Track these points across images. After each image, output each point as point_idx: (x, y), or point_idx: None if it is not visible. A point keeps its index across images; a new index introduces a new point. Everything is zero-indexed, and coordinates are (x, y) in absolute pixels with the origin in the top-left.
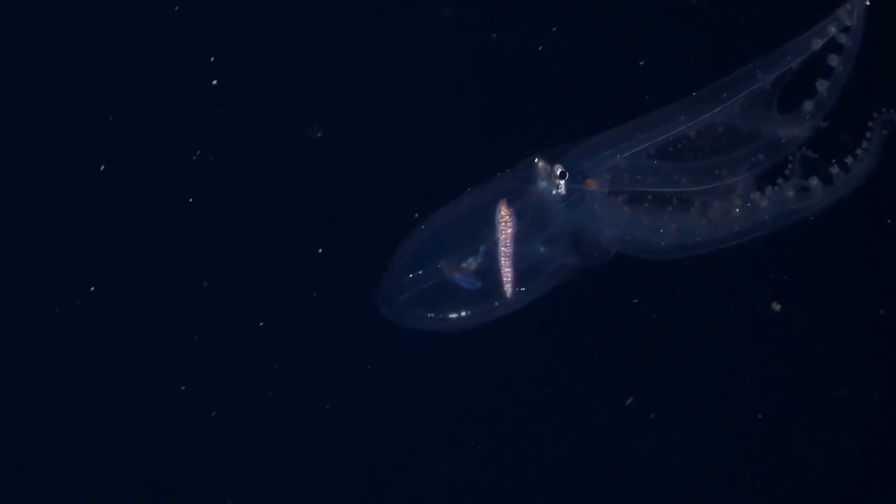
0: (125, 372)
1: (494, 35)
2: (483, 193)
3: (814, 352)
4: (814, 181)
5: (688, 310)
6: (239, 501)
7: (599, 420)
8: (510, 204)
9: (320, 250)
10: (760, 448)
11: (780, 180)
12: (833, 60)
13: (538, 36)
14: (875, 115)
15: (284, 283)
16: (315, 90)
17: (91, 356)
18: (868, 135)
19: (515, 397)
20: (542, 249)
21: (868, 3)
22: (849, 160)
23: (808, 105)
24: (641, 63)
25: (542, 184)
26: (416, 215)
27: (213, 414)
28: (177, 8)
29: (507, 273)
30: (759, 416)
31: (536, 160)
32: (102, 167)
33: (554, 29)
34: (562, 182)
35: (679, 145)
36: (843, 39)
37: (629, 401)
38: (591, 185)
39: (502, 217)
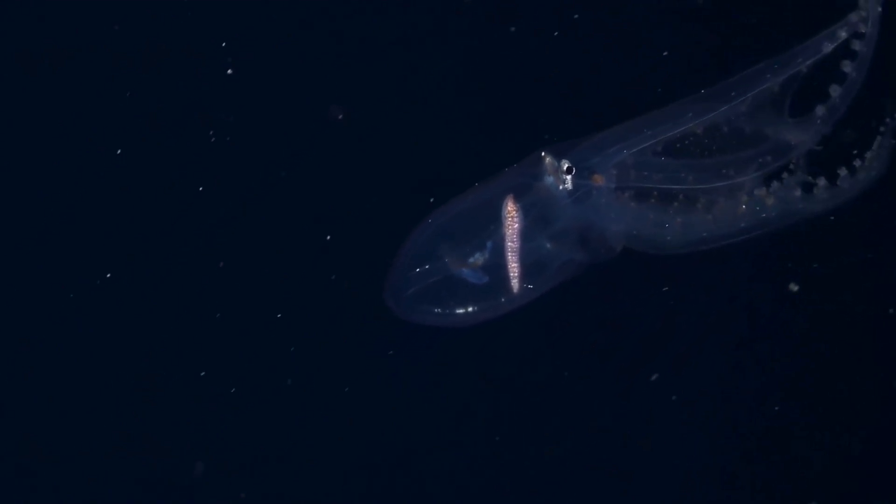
0: (125, 372)
1: (495, 35)
2: (490, 189)
3: (814, 352)
4: (821, 181)
5: (688, 310)
6: (247, 497)
7: (599, 420)
8: (517, 199)
9: (329, 237)
10: (760, 448)
11: (786, 178)
12: (847, 66)
13: (538, 36)
14: (887, 120)
15: (292, 279)
16: (322, 88)
17: (91, 356)
18: (878, 139)
19: (515, 397)
20: (548, 245)
21: (881, 10)
22: (857, 163)
23: (819, 110)
24: (642, 63)
25: (549, 179)
26: (421, 212)
27: (215, 410)
28: (179, 7)
29: (513, 268)
30: (759, 416)
31: (543, 155)
32: (119, 151)
33: (554, 29)
34: (569, 177)
35: (686, 142)
36: (857, 46)
37: (654, 377)
38: (598, 180)
39: (509, 212)
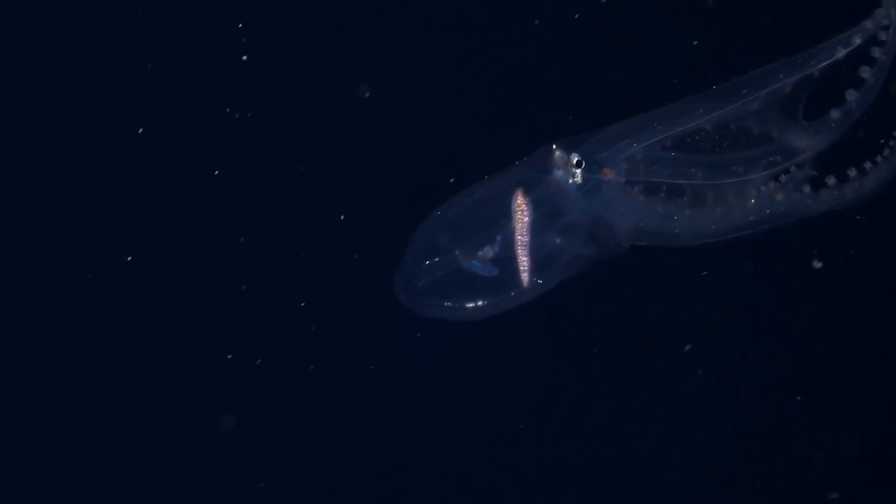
0: (125, 372)
1: (495, 35)
2: (499, 182)
3: (814, 352)
4: (831, 180)
5: (687, 310)
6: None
7: (599, 420)
8: (527, 193)
9: (342, 216)
10: (760, 448)
11: (796, 175)
12: (865, 73)
13: (538, 36)
14: None
15: (301, 271)
16: (328, 84)
17: (91, 356)
18: (891, 143)
19: (515, 397)
20: (557, 239)
21: None
22: (867, 165)
23: (835, 114)
24: (641, 63)
25: (559, 173)
26: (425, 210)
27: (217, 408)
28: (178, 8)
29: (523, 262)
30: (759, 416)
31: (553, 149)
32: (140, 130)
33: (554, 29)
34: (578, 171)
35: (697, 137)
36: (876, 53)
37: (687, 347)
38: (608, 174)
39: (519, 206)
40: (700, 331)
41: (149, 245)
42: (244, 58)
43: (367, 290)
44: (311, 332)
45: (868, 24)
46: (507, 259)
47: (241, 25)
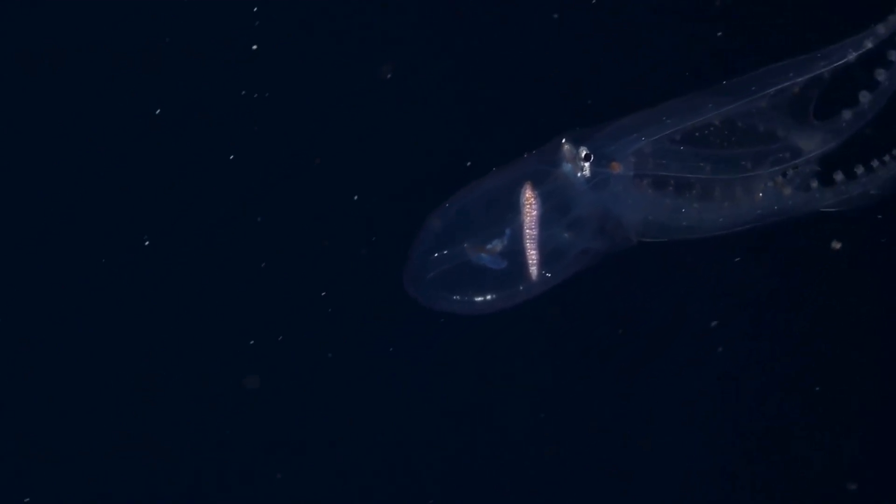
0: (125, 372)
1: (495, 35)
2: (508, 175)
3: (814, 351)
4: (839, 175)
5: (687, 310)
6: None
7: (599, 420)
8: (535, 186)
9: (356, 197)
10: (760, 448)
11: (804, 170)
12: (881, 75)
13: (538, 36)
14: None
15: (312, 263)
16: (343, 79)
17: (91, 356)
18: None
19: (515, 397)
20: (566, 232)
21: None
22: (874, 163)
23: (846, 114)
24: (641, 63)
25: (568, 166)
26: (431, 206)
27: (225, 405)
28: (177, 8)
29: (532, 256)
30: (759, 416)
31: (562, 142)
32: (158, 111)
33: (554, 29)
34: (587, 165)
35: (705, 132)
36: (893, 56)
37: (714, 323)
38: (616, 168)
39: (527, 199)
40: (700, 331)
41: (152, 243)
42: (254, 47)
43: (375, 282)
44: (320, 324)
45: (881, 29)
46: (515, 252)
47: (242, 26)
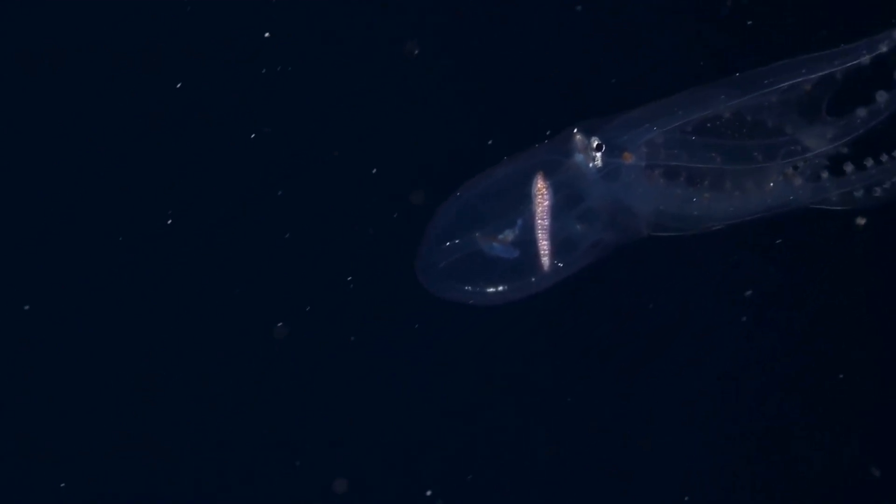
0: (125, 372)
1: (495, 35)
2: (519, 164)
3: (814, 351)
4: (848, 167)
5: (687, 310)
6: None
7: (599, 420)
8: (547, 176)
9: (374, 170)
10: (760, 448)
11: (814, 161)
12: None
13: (538, 36)
14: None
15: (323, 253)
16: (361, 72)
17: (91, 356)
18: None
19: (514, 396)
20: (577, 223)
21: None
22: (884, 157)
23: (861, 112)
24: (642, 63)
25: (579, 157)
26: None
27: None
28: (176, 8)
29: (544, 246)
30: (759, 416)
31: (574, 132)
32: (178, 89)
33: (554, 29)
34: (598, 155)
35: (717, 123)
36: None
37: (748, 293)
38: (628, 158)
39: (539, 190)
40: (700, 331)
41: (153, 242)
42: (266, 34)
43: (387, 272)
44: (328, 315)
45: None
46: (526, 243)
47: (241, 26)
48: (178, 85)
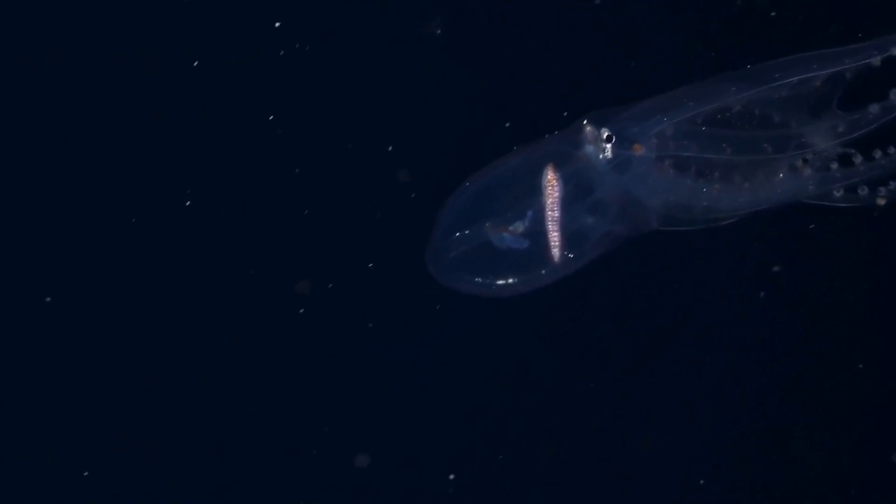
0: (125, 372)
1: (495, 35)
2: (529, 156)
3: (814, 351)
4: (857, 158)
5: (687, 309)
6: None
7: (599, 420)
8: (557, 168)
9: (391, 149)
10: (760, 448)
11: (823, 154)
12: None
13: (538, 36)
14: None
15: (334, 243)
16: (351, 79)
17: (91, 356)
18: None
19: (515, 396)
20: (587, 215)
21: None
22: (892, 150)
23: (874, 108)
24: (641, 63)
25: (590, 148)
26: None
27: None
28: (175, 8)
29: (554, 238)
30: (759, 416)
31: (584, 124)
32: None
33: (554, 29)
34: (609, 146)
35: (727, 114)
36: None
37: (776, 268)
38: (638, 149)
39: (549, 181)
40: (700, 331)
41: (153, 242)
42: (276, 23)
43: (397, 264)
44: (338, 306)
45: None
46: (537, 234)
47: (242, 26)
48: (175, 86)
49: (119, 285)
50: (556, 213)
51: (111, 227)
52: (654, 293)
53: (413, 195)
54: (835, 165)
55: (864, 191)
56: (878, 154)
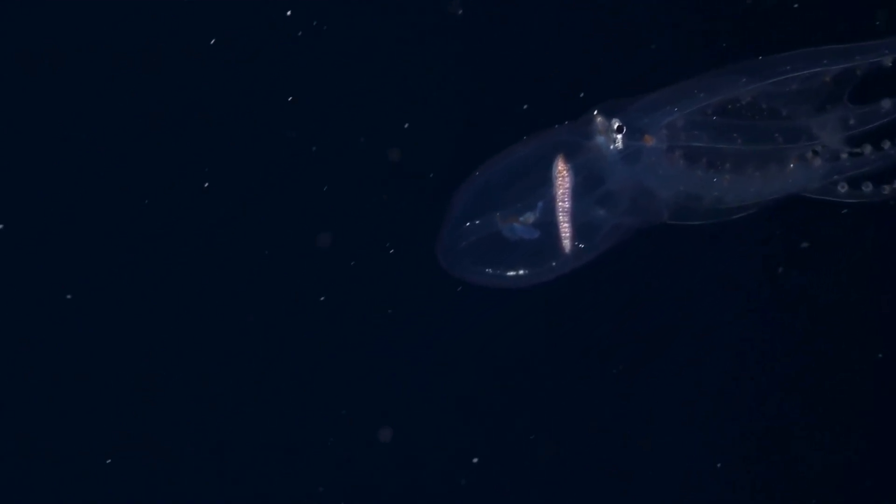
0: (125, 372)
1: (495, 35)
2: (540, 146)
3: (814, 351)
4: (867, 148)
5: (688, 310)
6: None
7: (599, 420)
8: (567, 159)
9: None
10: (760, 448)
11: (835, 145)
12: None
13: (538, 36)
14: None
15: (345, 233)
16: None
17: (91, 356)
18: None
19: (514, 396)
20: (598, 206)
21: None
22: None
23: (886, 103)
24: (642, 63)
25: (600, 139)
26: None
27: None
28: (175, 8)
29: (564, 229)
30: (759, 416)
31: (595, 114)
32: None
33: (554, 29)
34: (619, 137)
35: (738, 105)
36: None
37: (806, 243)
38: (649, 140)
39: (560, 172)
40: (699, 331)
41: (153, 242)
42: (288, 12)
43: (407, 253)
44: (346, 297)
45: None
46: (547, 225)
47: (241, 26)
48: (175, 86)
49: (119, 285)
50: (567, 204)
51: (111, 227)
52: (654, 293)
53: (423, 185)
54: (845, 155)
55: (868, 187)
56: (886, 145)
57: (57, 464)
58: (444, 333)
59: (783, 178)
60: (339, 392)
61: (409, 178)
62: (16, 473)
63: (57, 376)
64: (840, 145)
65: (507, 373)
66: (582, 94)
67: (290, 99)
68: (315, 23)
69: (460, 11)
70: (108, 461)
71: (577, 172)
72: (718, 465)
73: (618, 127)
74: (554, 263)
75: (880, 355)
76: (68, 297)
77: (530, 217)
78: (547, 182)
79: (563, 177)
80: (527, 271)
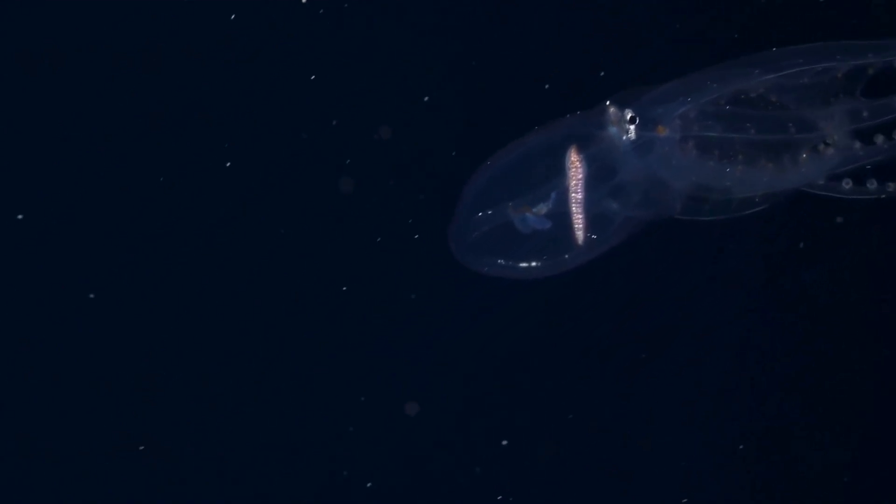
0: (125, 372)
1: (495, 35)
2: (552, 137)
3: (814, 352)
4: (879, 138)
5: (688, 310)
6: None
7: (599, 420)
8: (580, 150)
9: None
10: (760, 448)
11: (846, 138)
12: None
13: (538, 36)
14: None
15: (356, 223)
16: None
17: (91, 356)
18: None
19: (514, 396)
20: (610, 197)
21: None
22: None
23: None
24: (641, 63)
25: (613, 129)
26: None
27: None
28: (175, 8)
29: (578, 220)
30: (759, 416)
31: (608, 105)
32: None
33: (554, 29)
34: (632, 127)
35: (751, 95)
36: None
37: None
38: (662, 131)
39: (572, 163)
40: (699, 331)
41: (153, 242)
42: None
43: (419, 244)
44: (356, 288)
45: None
46: (559, 216)
47: (242, 25)
48: (175, 86)
49: (119, 285)
50: (580, 195)
51: (111, 226)
52: (654, 292)
53: (435, 175)
54: (857, 146)
55: (873, 184)
56: None
57: (57, 464)
58: (444, 333)
59: (795, 170)
60: (339, 389)
61: (421, 168)
62: (16, 473)
63: (57, 376)
64: (849, 139)
65: (507, 372)
66: (581, 96)
67: (311, 78)
68: (321, 11)
69: None
70: (108, 461)
71: (590, 163)
72: (718, 465)
73: (631, 117)
74: (566, 255)
75: (880, 355)
76: (68, 296)
77: (543, 208)
78: (560, 173)
79: (576, 167)
80: (539, 262)
